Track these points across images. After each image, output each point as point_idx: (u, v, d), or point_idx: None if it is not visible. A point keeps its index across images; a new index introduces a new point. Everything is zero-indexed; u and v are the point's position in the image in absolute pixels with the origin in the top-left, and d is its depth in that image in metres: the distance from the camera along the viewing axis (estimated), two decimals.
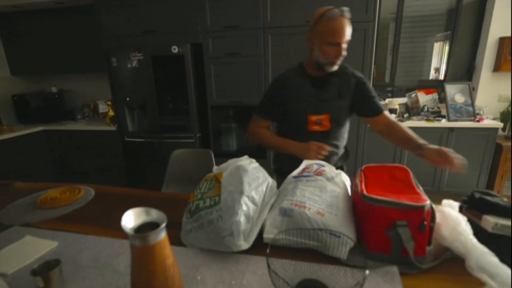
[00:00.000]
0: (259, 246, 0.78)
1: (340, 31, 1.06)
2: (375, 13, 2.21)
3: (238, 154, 1.03)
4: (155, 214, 0.55)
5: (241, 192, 0.81)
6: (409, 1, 2.83)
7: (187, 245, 0.84)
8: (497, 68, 2.66)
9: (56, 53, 3.19)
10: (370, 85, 1.26)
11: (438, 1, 2.80)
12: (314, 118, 1.21)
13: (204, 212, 0.80)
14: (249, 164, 0.94)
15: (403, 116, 2.82)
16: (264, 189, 0.89)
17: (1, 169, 2.77)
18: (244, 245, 0.76)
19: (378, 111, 1.24)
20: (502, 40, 2.61)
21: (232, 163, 0.94)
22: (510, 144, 2.50)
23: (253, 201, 0.83)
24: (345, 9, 1.06)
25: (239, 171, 0.88)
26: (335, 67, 1.16)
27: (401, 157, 2.70)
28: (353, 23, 2.32)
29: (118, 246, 0.84)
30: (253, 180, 0.87)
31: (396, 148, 2.69)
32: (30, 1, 2.81)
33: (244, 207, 0.79)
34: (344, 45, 1.10)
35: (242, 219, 0.77)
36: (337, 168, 1.06)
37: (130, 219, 0.53)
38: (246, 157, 0.99)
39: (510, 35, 2.56)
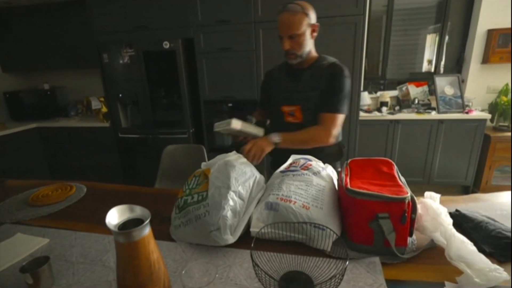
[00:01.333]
0: (246, 240, 0.80)
1: (281, 26, 1.11)
2: (365, 6, 2.21)
3: (231, 149, 1.04)
4: (139, 211, 0.56)
5: (228, 187, 0.83)
6: None
7: (176, 240, 0.85)
8: (485, 60, 2.68)
9: (48, 49, 3.15)
10: (341, 81, 1.15)
11: None
12: (286, 109, 1.24)
13: (192, 208, 0.82)
14: (237, 160, 0.96)
15: (394, 109, 2.85)
16: (251, 183, 0.90)
17: None
18: (231, 239, 0.78)
19: (324, 108, 1.17)
20: (490, 32, 2.63)
21: (220, 158, 0.96)
22: (498, 135, 2.54)
23: (240, 196, 0.84)
24: (290, 5, 1.09)
25: (226, 167, 0.90)
26: (293, 61, 1.17)
27: (392, 151, 2.74)
28: (344, 16, 2.34)
29: (108, 242, 0.86)
30: (240, 175, 0.89)
31: (387, 142, 2.73)
32: None
33: (231, 202, 0.81)
34: (291, 38, 1.11)
35: (228, 214, 0.79)
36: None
37: (114, 217, 0.54)
38: (234, 152, 1.00)
39: (498, 27, 2.59)
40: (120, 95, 2.79)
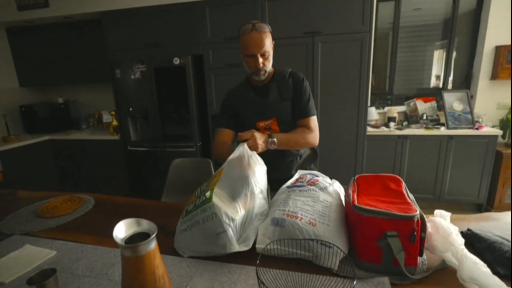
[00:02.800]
0: (252, 256, 0.79)
1: (253, 44, 1.13)
2: (371, 24, 2.25)
3: None
4: (146, 225, 0.57)
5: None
6: (405, 11, 2.87)
7: (178, 248, 0.85)
8: (494, 76, 2.66)
9: (63, 65, 3.28)
10: (305, 85, 1.26)
11: (434, 11, 2.84)
12: (262, 124, 1.26)
13: (200, 210, 0.83)
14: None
15: (402, 124, 2.83)
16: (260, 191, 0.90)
17: (8, 177, 2.82)
18: (236, 246, 0.78)
19: (301, 115, 1.25)
20: (498, 48, 2.62)
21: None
22: (510, 151, 2.48)
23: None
24: (258, 24, 1.13)
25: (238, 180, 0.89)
26: (262, 77, 1.21)
27: (401, 167, 2.70)
28: (349, 34, 2.39)
29: (114, 256, 0.86)
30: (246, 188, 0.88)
31: (395, 157, 2.70)
32: (40, 16, 2.92)
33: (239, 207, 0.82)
34: (263, 56, 1.16)
35: (235, 219, 0.80)
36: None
37: (121, 230, 0.54)
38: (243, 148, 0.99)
39: (506, 43, 2.58)
40: (131, 109, 2.86)
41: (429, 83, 3.05)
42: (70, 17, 2.96)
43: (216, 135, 1.35)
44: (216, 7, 2.51)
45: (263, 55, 1.16)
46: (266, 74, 1.22)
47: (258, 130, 1.27)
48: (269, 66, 1.21)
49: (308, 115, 1.25)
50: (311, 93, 1.27)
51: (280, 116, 1.25)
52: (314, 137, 1.25)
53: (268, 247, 0.78)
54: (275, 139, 1.12)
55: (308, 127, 1.25)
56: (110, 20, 2.78)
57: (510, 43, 2.57)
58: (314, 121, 1.27)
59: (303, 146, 1.25)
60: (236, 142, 1.37)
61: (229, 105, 1.34)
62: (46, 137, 3.23)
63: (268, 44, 1.16)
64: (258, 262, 0.65)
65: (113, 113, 3.12)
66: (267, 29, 1.15)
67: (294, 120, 1.28)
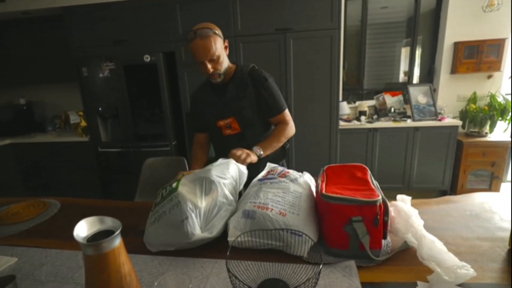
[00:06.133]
0: (225, 250, 0.79)
1: (198, 52, 1.11)
2: (339, 21, 2.32)
3: (214, 161, 1.04)
4: (109, 222, 0.55)
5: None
6: (374, 9, 2.99)
7: (147, 244, 0.85)
8: (454, 70, 2.85)
9: (24, 64, 3.08)
10: (269, 84, 1.24)
11: (399, 9, 2.99)
12: (222, 123, 1.27)
13: (167, 200, 0.84)
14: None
15: (372, 118, 2.95)
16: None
17: None
18: (199, 232, 0.79)
19: (272, 113, 1.28)
20: (456, 44, 2.81)
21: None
22: (469, 140, 2.68)
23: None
24: (200, 30, 1.09)
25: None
26: (218, 79, 1.20)
27: (372, 159, 2.82)
28: (319, 30, 2.43)
29: (81, 259, 0.83)
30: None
31: (367, 150, 2.81)
32: None
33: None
34: (212, 61, 1.13)
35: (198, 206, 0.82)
36: None
37: (83, 229, 0.53)
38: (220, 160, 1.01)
39: (463, 40, 2.77)
40: (100, 109, 2.74)
41: (398, 78, 3.20)
42: (29, 12, 2.78)
43: (194, 140, 1.41)
44: (187, 3, 2.46)
45: (211, 61, 1.13)
46: (222, 76, 1.20)
47: (219, 129, 1.29)
48: (222, 68, 1.18)
49: (279, 111, 1.27)
50: (277, 90, 1.27)
51: (239, 114, 1.25)
52: (291, 127, 1.29)
53: (240, 239, 0.79)
54: (258, 151, 1.17)
55: (283, 121, 1.29)
56: (73, 16, 2.63)
57: (467, 39, 2.76)
58: (287, 114, 1.30)
59: (286, 139, 1.30)
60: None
61: (193, 108, 1.38)
62: (8, 141, 3.02)
63: (216, 48, 1.11)
64: (228, 254, 0.66)
65: (81, 113, 2.97)
66: (210, 32, 1.10)
67: (265, 118, 1.29)
